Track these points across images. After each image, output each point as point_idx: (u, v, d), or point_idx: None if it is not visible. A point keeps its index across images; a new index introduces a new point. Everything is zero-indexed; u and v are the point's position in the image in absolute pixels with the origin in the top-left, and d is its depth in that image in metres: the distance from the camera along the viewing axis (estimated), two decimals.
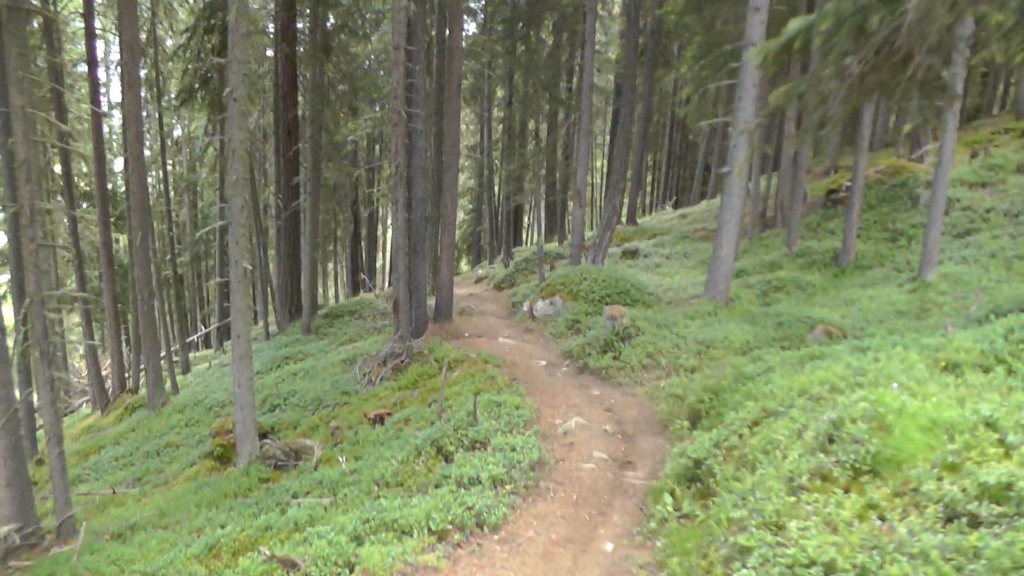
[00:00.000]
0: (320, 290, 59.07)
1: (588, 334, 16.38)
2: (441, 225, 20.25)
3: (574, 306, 19.04)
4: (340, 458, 10.87)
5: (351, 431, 13.25)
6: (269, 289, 31.10)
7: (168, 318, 33.08)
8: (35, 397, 16.08)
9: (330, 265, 56.47)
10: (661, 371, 13.37)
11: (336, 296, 56.18)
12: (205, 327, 45.81)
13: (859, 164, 18.80)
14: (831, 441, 5.85)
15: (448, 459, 9.54)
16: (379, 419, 13.32)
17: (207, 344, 45.67)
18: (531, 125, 41.39)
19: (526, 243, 57.10)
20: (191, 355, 38.87)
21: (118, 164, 49.42)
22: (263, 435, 15.39)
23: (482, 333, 19.55)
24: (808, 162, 21.27)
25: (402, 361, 17.26)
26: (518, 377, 14.08)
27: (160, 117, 32.16)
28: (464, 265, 56.44)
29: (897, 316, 13.91)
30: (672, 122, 53.18)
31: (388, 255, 56.36)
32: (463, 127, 51.90)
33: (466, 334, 19.50)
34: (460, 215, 62.21)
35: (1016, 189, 20.49)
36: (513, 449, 8.96)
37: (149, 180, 48.70)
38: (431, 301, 21.77)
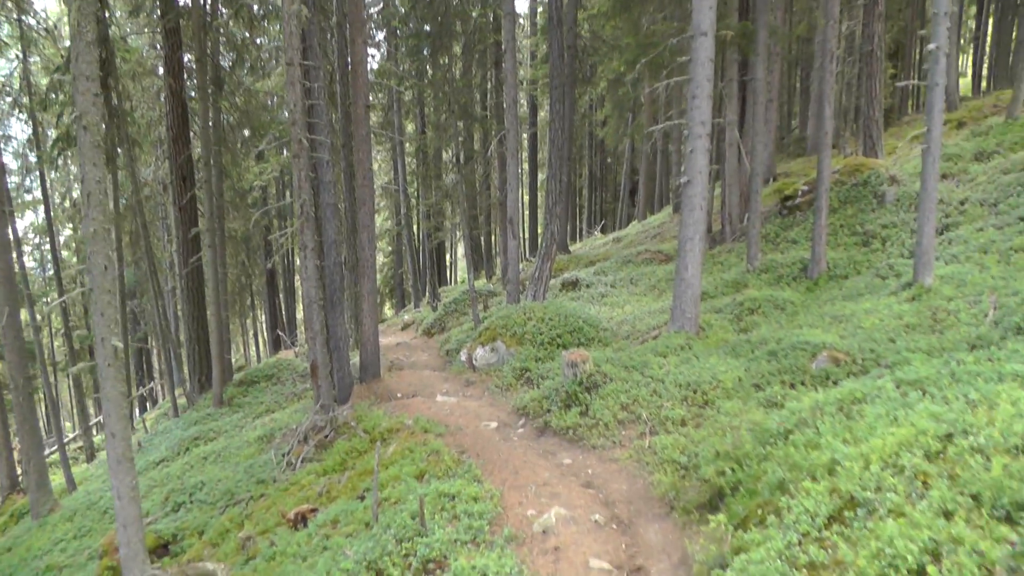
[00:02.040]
0: (241, 350, 55.85)
1: (543, 385, 13.93)
2: (359, 270, 17.66)
3: (520, 351, 16.59)
4: None
5: (266, 539, 10.55)
6: (174, 357, 27.95)
7: (68, 398, 29.78)
8: None
9: (249, 322, 53.40)
10: (643, 426, 10.91)
11: (258, 355, 53.05)
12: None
13: (823, 162, 16.74)
14: None
15: None
16: (301, 519, 10.67)
17: None
18: (447, 155, 39.09)
19: (451, 282, 54.75)
20: (97, 437, 35.40)
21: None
22: (164, 546, 12.70)
23: (416, 391, 16.99)
24: (761, 169, 19.19)
25: (326, 436, 14.60)
26: (467, 448, 11.57)
27: (42, 172, 28.94)
28: (388, 310, 53.84)
29: (908, 332, 11.70)
30: (591, 144, 51.74)
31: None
32: (376, 165, 49.39)
33: (399, 394, 16.91)
34: (380, 258, 59.65)
35: (984, 177, 18.68)
36: None
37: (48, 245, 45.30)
38: (355, 359, 19.16)
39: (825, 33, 16.98)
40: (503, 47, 20.03)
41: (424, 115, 36.47)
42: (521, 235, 59.96)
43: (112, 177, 24.38)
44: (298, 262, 50.30)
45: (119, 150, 23.61)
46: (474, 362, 17.78)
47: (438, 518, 7.98)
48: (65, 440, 32.88)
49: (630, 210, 46.68)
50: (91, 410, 49.51)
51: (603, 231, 48.15)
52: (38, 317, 47.25)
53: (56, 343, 51.66)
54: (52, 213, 31.54)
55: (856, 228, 18.67)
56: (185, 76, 24.70)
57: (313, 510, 10.93)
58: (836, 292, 16.01)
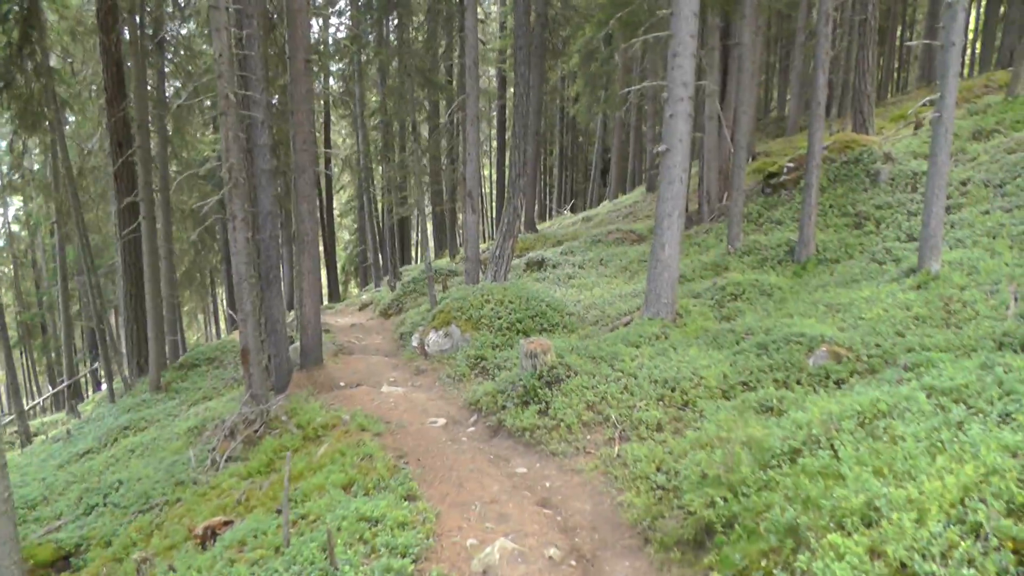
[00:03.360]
0: (203, 330, 53.79)
1: (499, 377, 12.28)
2: (299, 245, 15.89)
3: (476, 337, 14.92)
4: None
5: (166, 560, 8.88)
6: (109, 339, 25.95)
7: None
8: None
9: (209, 301, 51.34)
10: (611, 430, 9.27)
11: (218, 335, 51.06)
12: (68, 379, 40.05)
13: (815, 135, 15.13)
14: None
15: None
16: (210, 535, 8.99)
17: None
18: (410, 126, 37.44)
19: (417, 261, 52.97)
20: (35, 421, 33.41)
21: None
22: (65, 558, 11.14)
23: (362, 380, 15.29)
24: (746, 141, 17.50)
25: (256, 431, 12.91)
26: (408, 451, 9.95)
27: None
28: (353, 288, 52.05)
29: (917, 324, 10.14)
30: (562, 122, 50.17)
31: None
32: (339, 138, 47.37)
33: (341, 383, 15.20)
34: (346, 235, 57.96)
35: (986, 157, 17.21)
36: None
37: None
38: (297, 343, 17.44)
39: None
40: (463, 4, 18.20)
41: (386, 83, 34.60)
42: (485, 212, 58.24)
43: (52, 143, 22.38)
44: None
45: (46, 112, 21.64)
46: (426, 348, 16.13)
47: (353, 552, 6.36)
48: None
49: (601, 190, 45.22)
50: (34, 390, 47.58)
51: (573, 210, 46.55)
52: None
53: (7, 319, 49.70)
54: None
55: (847, 209, 17.09)
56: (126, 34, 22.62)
57: (227, 523, 9.29)
58: (827, 278, 14.43)
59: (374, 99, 39.13)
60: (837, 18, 27.76)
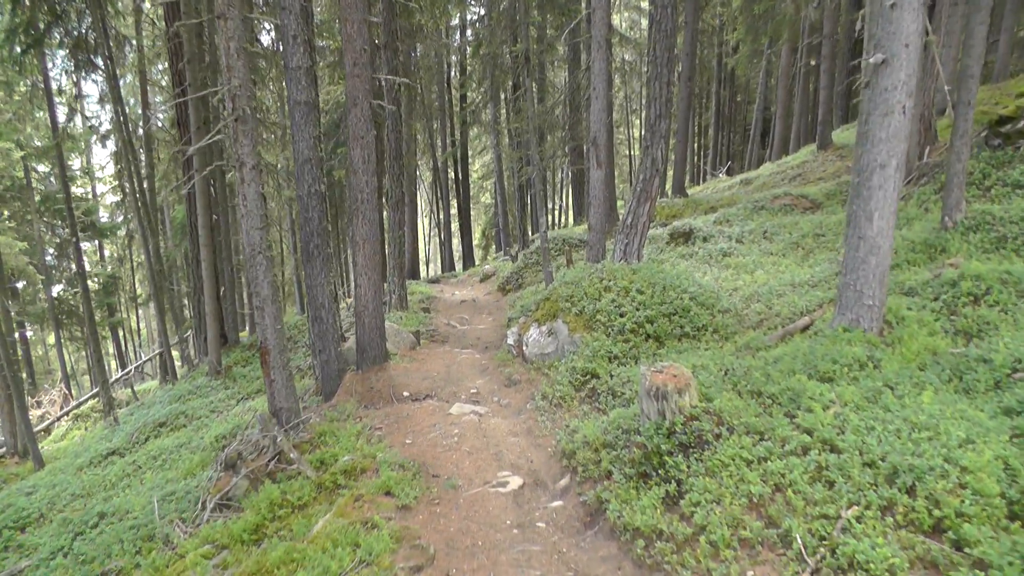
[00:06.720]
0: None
1: (612, 414, 7.95)
2: (351, 206, 11.92)
3: (588, 341, 10.61)
4: None
5: None
6: (170, 312, 22.76)
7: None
8: None
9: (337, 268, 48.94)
10: (794, 564, 4.92)
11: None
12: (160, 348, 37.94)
13: None
14: None
15: None
16: None
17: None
18: (551, 74, 33.48)
19: (558, 226, 48.89)
20: (125, 391, 30.98)
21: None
22: None
23: (433, 389, 11.33)
24: (977, 68, 12.33)
25: (267, 464, 9.16)
26: (438, 548, 6.13)
27: (49, 94, 24.07)
28: (492, 256, 48.63)
29: None
30: (720, 75, 45.17)
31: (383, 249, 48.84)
32: (476, 95, 43.41)
33: (405, 392, 11.26)
34: (487, 198, 54.76)
35: None
36: None
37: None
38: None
39: None
40: None
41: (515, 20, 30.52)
42: (629, 180, 53.54)
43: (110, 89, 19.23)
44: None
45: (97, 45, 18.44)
46: (524, 349, 12.03)
47: None
48: (81, 399, 28.96)
49: (761, 152, 40.11)
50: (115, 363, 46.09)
51: (729, 173, 41.46)
52: (114, 252, 44.40)
53: (137, 277, 48.35)
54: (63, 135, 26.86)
55: None
56: None
57: None
58: None
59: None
60: None
